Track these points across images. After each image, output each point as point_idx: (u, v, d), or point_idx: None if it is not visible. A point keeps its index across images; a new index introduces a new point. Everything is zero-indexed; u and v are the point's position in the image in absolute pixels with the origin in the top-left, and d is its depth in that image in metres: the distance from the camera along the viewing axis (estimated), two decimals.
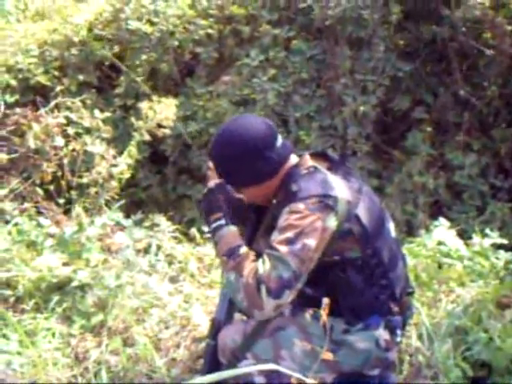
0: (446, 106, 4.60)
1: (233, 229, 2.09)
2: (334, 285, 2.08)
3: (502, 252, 3.27)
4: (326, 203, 1.99)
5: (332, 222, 2.00)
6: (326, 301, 1.94)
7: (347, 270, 2.11)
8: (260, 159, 2.09)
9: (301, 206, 1.99)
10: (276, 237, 2.00)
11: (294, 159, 2.19)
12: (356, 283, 2.12)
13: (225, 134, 2.15)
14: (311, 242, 1.97)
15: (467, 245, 3.33)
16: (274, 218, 2.09)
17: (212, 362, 2.23)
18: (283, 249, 1.95)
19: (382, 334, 2.14)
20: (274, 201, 2.18)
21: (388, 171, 4.53)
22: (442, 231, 3.40)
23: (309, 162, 2.15)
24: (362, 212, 2.07)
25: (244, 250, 2.03)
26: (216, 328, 2.25)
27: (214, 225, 2.11)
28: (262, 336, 2.12)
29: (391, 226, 2.25)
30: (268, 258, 1.96)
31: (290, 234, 1.97)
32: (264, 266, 1.95)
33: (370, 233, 2.08)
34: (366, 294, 2.12)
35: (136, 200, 4.43)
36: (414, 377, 2.55)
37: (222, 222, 2.09)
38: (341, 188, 2.06)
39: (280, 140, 2.16)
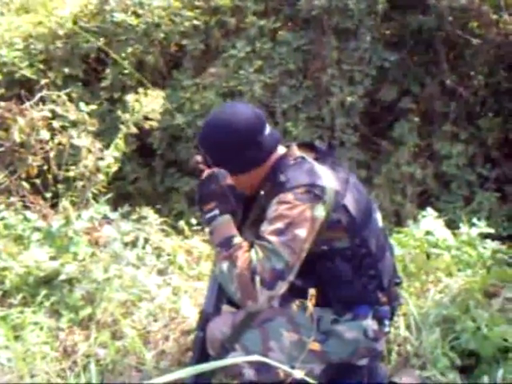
0: (432, 96, 4.62)
1: (227, 218, 2.06)
2: (323, 275, 2.09)
3: (489, 241, 3.28)
4: (314, 193, 1.99)
5: (321, 212, 2.00)
6: (311, 292, 1.94)
7: (335, 260, 2.11)
8: (249, 147, 2.09)
9: (289, 196, 1.99)
10: (266, 227, 1.99)
11: (281, 150, 2.18)
12: (344, 273, 2.12)
13: (214, 121, 2.15)
14: (301, 232, 1.97)
15: (455, 234, 3.34)
16: (262, 209, 2.09)
17: (200, 353, 2.23)
18: (274, 239, 1.95)
19: (370, 323, 2.14)
20: (262, 192, 2.17)
21: (376, 162, 4.54)
22: (430, 221, 3.41)
23: (296, 152, 2.15)
24: (349, 202, 2.07)
25: (238, 239, 2.02)
26: (204, 320, 2.24)
27: (207, 215, 2.09)
28: (250, 327, 2.12)
29: (378, 217, 2.25)
30: (260, 250, 1.95)
31: (280, 225, 1.97)
32: (257, 256, 1.94)
33: (357, 223, 2.08)
34: (354, 284, 2.12)
35: (123, 193, 4.42)
36: (402, 366, 2.56)
37: (216, 212, 2.06)
38: (328, 178, 2.06)
39: (268, 128, 2.15)
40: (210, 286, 2.32)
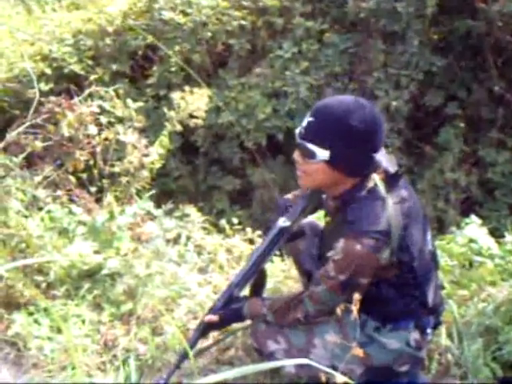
0: (479, 102, 4.55)
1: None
2: (364, 296, 2.07)
3: None
4: (382, 240, 1.98)
5: (385, 255, 2.00)
6: (356, 296, 1.94)
7: (380, 285, 2.11)
8: (362, 151, 2.03)
9: (357, 247, 1.98)
10: (331, 272, 2.04)
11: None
12: (387, 296, 2.12)
13: (360, 105, 2.04)
14: (364, 280, 2.04)
15: (499, 243, 3.28)
16: (327, 239, 2.14)
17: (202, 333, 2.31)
18: (336, 289, 2.05)
19: (413, 333, 2.14)
20: (331, 222, 2.22)
21: (419, 167, 4.49)
22: (474, 229, 3.36)
23: (371, 181, 2.06)
24: (411, 241, 2.06)
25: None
26: (227, 299, 2.28)
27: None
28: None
29: (429, 236, 2.21)
30: (316, 298, 2.09)
31: (346, 276, 2.02)
32: (312, 307, 2.12)
33: (414, 258, 2.07)
34: (397, 304, 2.13)
35: (166, 190, 4.45)
36: (442, 375, 2.54)
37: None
38: (394, 219, 2.00)
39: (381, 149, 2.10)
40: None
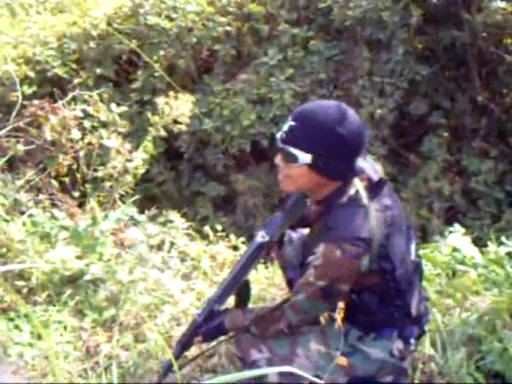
0: (463, 112, 4.58)
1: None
2: (346, 304, 2.04)
3: None
4: (363, 247, 1.96)
5: (366, 263, 1.99)
6: (340, 305, 1.93)
7: (363, 293, 2.10)
8: (343, 154, 2.01)
9: (337, 252, 1.95)
10: (311, 277, 2.02)
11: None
12: (369, 305, 2.11)
13: (342, 109, 2.03)
14: (345, 287, 2.01)
15: (482, 252, 3.29)
16: (309, 245, 2.12)
17: (189, 340, 2.28)
18: (317, 295, 2.02)
19: (396, 343, 2.13)
20: (313, 228, 2.21)
21: (403, 175, 4.51)
22: (457, 238, 3.37)
23: (353, 188, 2.04)
24: (392, 250, 2.04)
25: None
26: (208, 310, 2.25)
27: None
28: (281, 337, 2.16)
29: (413, 246, 2.20)
30: (297, 307, 2.07)
31: (325, 283, 1.99)
32: (294, 317, 2.09)
33: (396, 267, 2.06)
34: (379, 313, 2.12)
35: (150, 195, 4.43)
36: None
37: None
38: (376, 227, 1.98)
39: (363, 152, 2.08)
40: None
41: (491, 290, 3.03)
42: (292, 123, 2.04)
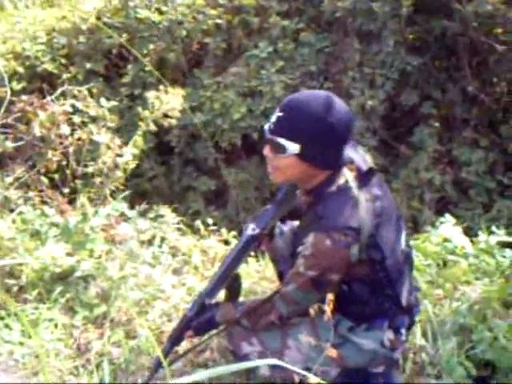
0: (454, 102, 4.56)
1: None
2: (337, 295, 2.04)
3: (508, 250, 3.23)
4: (352, 237, 1.96)
5: (355, 252, 1.99)
6: (329, 296, 1.93)
7: (353, 283, 2.10)
8: (331, 144, 2.02)
9: (327, 242, 1.96)
10: (301, 267, 2.02)
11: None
12: (360, 295, 2.12)
13: (329, 99, 2.03)
14: (335, 276, 2.02)
15: (473, 242, 3.30)
16: (299, 236, 2.12)
17: (180, 334, 2.27)
18: (308, 286, 2.03)
19: (387, 333, 2.14)
20: (303, 218, 2.21)
21: (394, 166, 4.50)
22: (448, 228, 3.37)
23: (342, 178, 2.05)
24: (382, 239, 2.04)
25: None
26: (200, 304, 2.25)
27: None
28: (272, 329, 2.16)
29: (403, 236, 2.20)
30: (289, 298, 2.08)
31: (315, 272, 2.00)
32: (286, 308, 2.10)
33: (386, 257, 2.06)
34: (370, 303, 2.12)
35: (141, 191, 4.42)
36: (417, 375, 2.54)
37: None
38: (365, 217, 1.99)
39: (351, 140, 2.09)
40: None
41: (482, 279, 3.04)
42: (279, 114, 2.04)
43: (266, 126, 2.09)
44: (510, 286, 2.90)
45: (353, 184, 2.03)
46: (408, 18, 4.46)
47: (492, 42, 4.45)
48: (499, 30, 4.48)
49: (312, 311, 2.04)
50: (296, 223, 2.38)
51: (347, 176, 2.04)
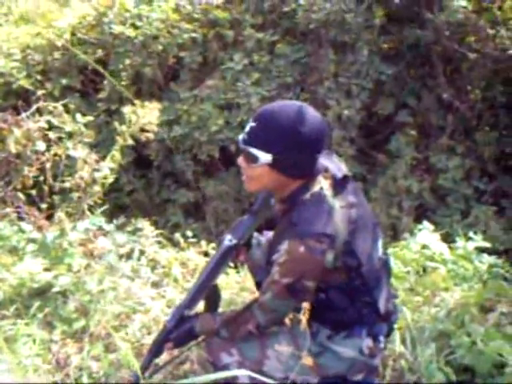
0: (429, 110, 4.62)
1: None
2: (315, 303, 2.03)
3: (485, 255, 3.26)
4: (327, 243, 1.96)
5: (330, 259, 1.99)
6: (305, 305, 1.93)
7: (329, 292, 2.10)
8: (305, 151, 2.01)
9: (301, 249, 1.95)
10: (276, 275, 2.02)
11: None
12: (338, 303, 2.12)
13: (301, 109, 2.04)
14: (311, 283, 2.01)
15: (451, 248, 3.32)
16: (274, 244, 2.11)
17: (160, 346, 2.25)
18: (283, 294, 2.02)
19: (366, 341, 2.13)
20: (278, 226, 2.20)
21: (372, 175, 4.53)
22: (426, 235, 3.40)
23: (317, 185, 2.06)
24: (357, 246, 2.04)
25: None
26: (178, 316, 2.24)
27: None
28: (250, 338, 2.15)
29: (380, 243, 2.21)
30: (265, 307, 2.07)
31: (290, 280, 1.99)
32: (262, 317, 2.10)
33: (362, 264, 2.07)
34: (348, 311, 2.12)
35: (120, 204, 4.42)
36: (397, 382, 2.54)
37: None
38: (340, 224, 2.00)
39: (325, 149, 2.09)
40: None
41: (461, 285, 3.06)
42: (252, 124, 2.05)
43: (240, 137, 2.10)
44: (488, 290, 2.92)
45: (327, 192, 2.04)
46: (381, 28, 4.53)
47: (464, 50, 4.51)
48: (471, 38, 4.55)
49: (288, 321, 2.04)
50: (272, 233, 2.39)
51: (322, 184, 2.05)
